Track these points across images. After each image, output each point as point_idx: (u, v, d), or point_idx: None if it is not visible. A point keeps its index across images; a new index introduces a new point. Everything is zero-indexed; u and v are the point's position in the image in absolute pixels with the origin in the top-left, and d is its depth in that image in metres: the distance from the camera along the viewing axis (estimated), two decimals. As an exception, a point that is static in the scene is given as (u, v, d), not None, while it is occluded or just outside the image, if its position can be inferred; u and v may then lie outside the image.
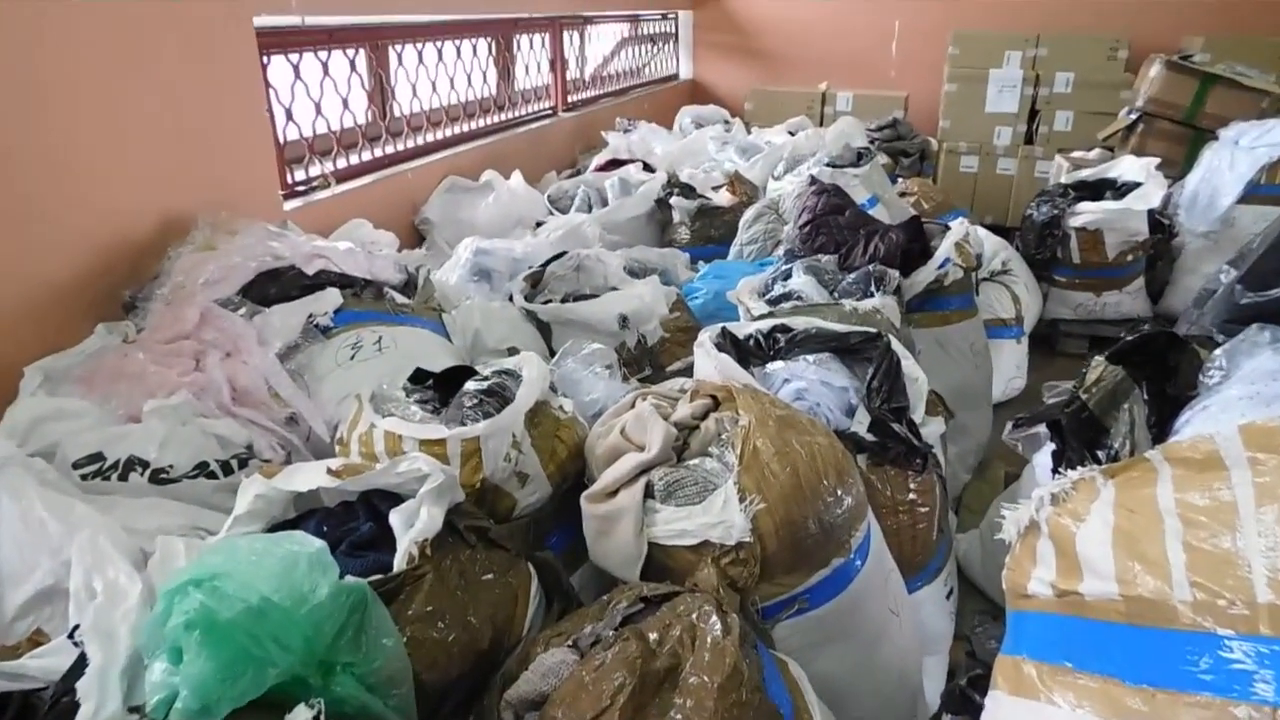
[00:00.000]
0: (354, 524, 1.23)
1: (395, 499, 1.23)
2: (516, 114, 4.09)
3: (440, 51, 3.46)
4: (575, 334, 2.20)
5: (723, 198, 3.10)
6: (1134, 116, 4.42)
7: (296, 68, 2.65)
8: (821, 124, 5.05)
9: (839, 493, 1.36)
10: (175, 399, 1.69)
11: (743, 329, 1.97)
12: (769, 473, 1.31)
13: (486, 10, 3.71)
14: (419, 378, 1.64)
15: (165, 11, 2.06)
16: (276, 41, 2.53)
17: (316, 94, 2.74)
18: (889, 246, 2.36)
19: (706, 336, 1.90)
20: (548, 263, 2.37)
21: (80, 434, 1.60)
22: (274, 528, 1.23)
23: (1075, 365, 2.21)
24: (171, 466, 1.54)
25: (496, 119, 3.89)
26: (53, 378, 1.83)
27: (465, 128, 3.59)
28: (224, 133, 2.30)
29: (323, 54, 2.74)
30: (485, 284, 2.41)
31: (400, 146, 3.19)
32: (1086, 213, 3.58)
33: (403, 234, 3.14)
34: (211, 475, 1.56)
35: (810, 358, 1.81)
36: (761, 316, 2.16)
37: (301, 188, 2.70)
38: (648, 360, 2.15)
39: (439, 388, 1.65)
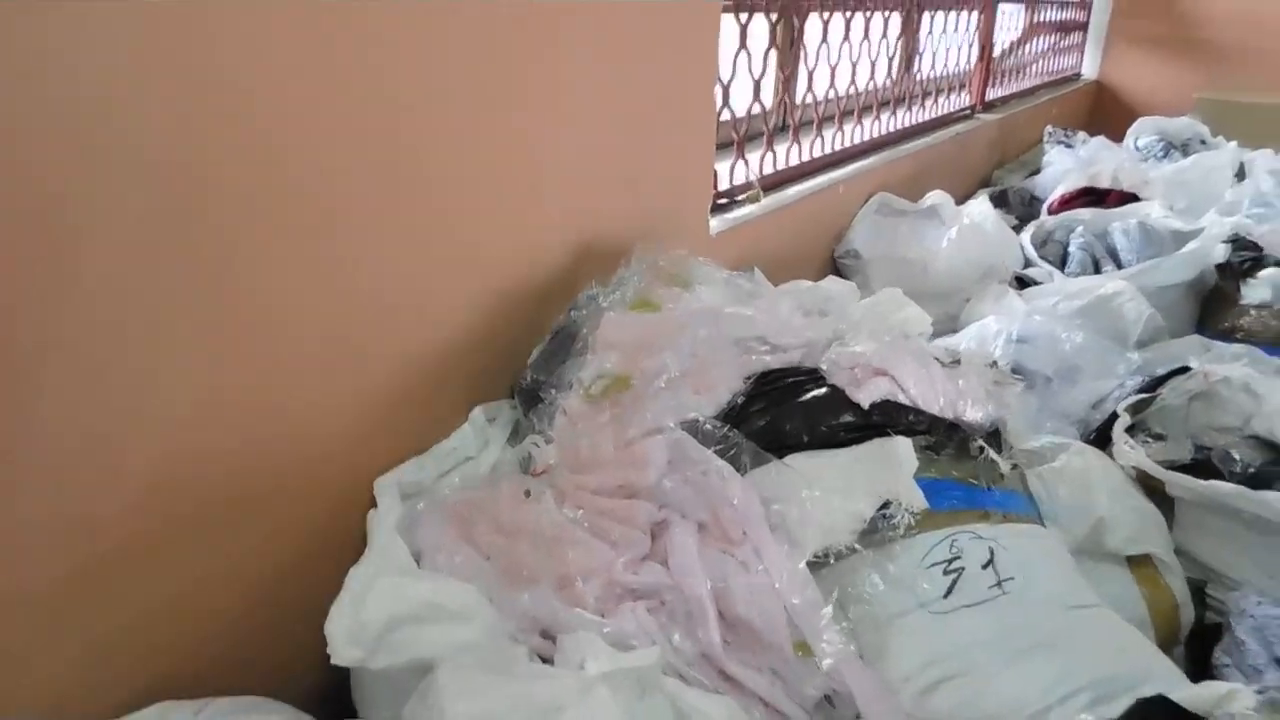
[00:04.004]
0: None
1: None
2: (930, 113, 3.09)
3: (849, 24, 2.49)
4: (1231, 533, 1.22)
5: (1337, 275, 1.96)
6: None
7: (745, 29, 1.83)
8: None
9: None
10: (629, 635, 0.90)
11: None
12: None
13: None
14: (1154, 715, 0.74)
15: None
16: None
17: (758, 68, 1.91)
18: None
19: None
20: (1159, 382, 1.40)
21: (469, 682, 0.84)
22: None
23: None
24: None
25: (906, 117, 2.91)
26: (410, 502, 1.13)
27: (878, 128, 2.65)
28: (666, 113, 1.52)
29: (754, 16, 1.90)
30: (1030, 395, 1.48)
31: (822, 149, 2.31)
32: None
33: (814, 271, 2.28)
34: None
35: None
36: None
37: (724, 200, 1.90)
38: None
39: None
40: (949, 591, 0.91)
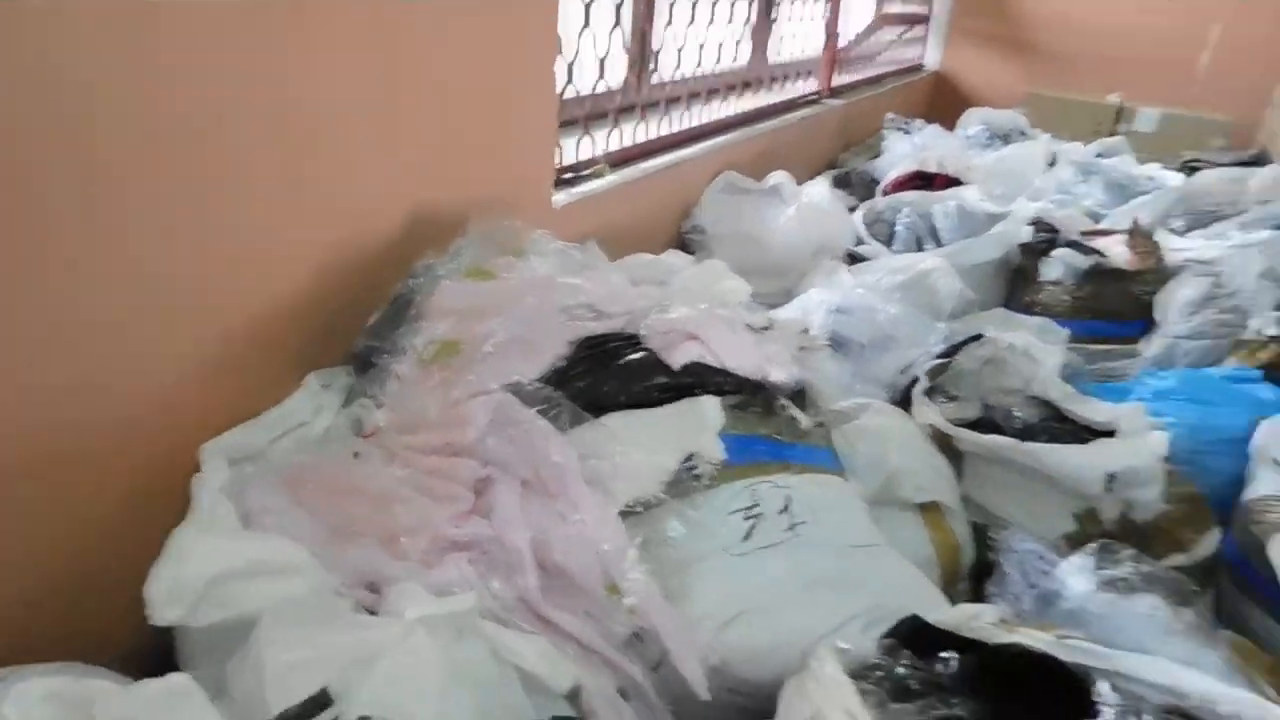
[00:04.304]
0: None
1: None
2: (780, 96, 3.23)
3: (694, 7, 2.57)
4: (1011, 483, 1.38)
5: (1119, 255, 2.20)
6: None
7: (588, 8, 1.88)
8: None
9: None
10: (449, 574, 0.95)
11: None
12: None
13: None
14: (916, 633, 0.85)
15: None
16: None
17: (603, 47, 1.97)
18: None
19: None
20: (954, 349, 1.54)
21: (289, 627, 0.87)
22: None
23: None
24: (456, 759, 0.80)
25: (758, 100, 3.04)
26: (239, 467, 1.13)
27: (729, 109, 2.76)
28: (505, 89, 1.55)
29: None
30: (843, 362, 1.60)
31: (670, 127, 2.39)
32: None
33: (661, 245, 2.36)
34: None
35: None
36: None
37: (569, 175, 1.94)
38: (1132, 544, 1.31)
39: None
40: (747, 535, 1.00)
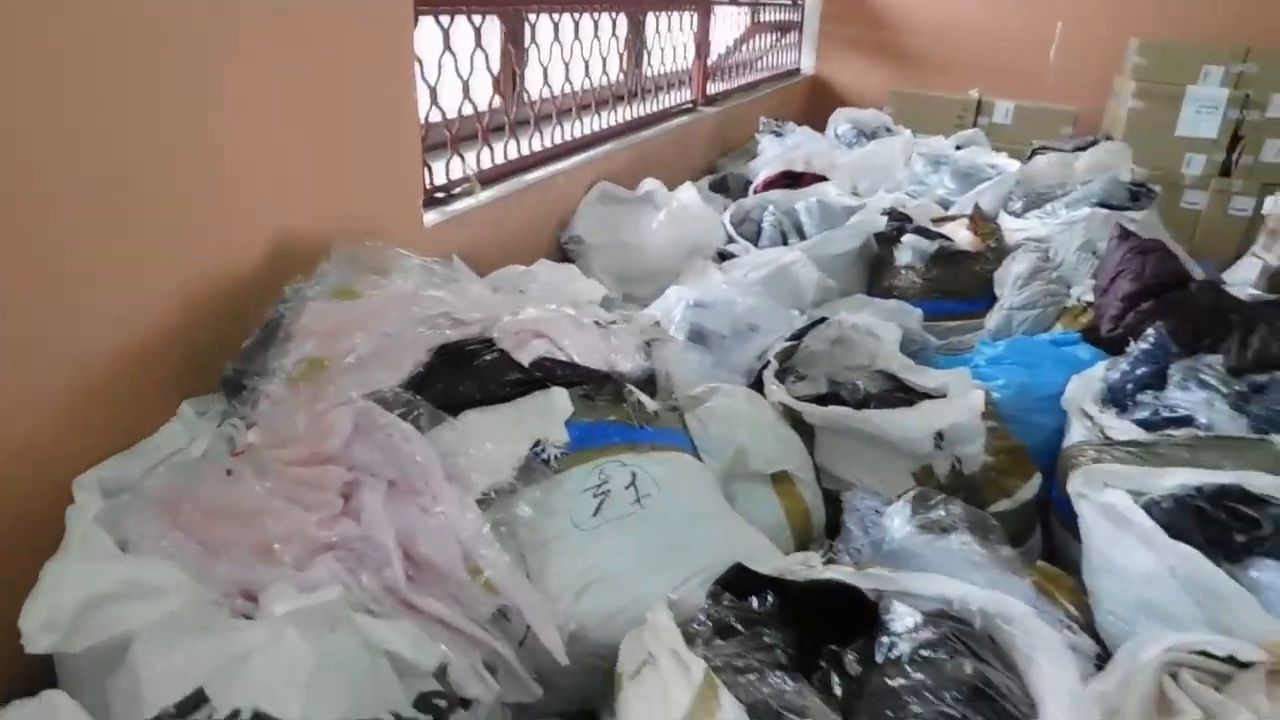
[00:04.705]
0: None
1: None
2: (655, 106, 3.36)
3: (578, 26, 2.72)
4: (856, 450, 1.51)
5: (962, 238, 2.39)
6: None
7: (447, 33, 1.96)
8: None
9: None
10: (320, 575, 1.01)
11: (1148, 480, 1.29)
12: None
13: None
14: (743, 581, 0.95)
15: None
16: (426, -2, 1.84)
17: (465, 68, 2.05)
18: (1283, 342, 1.65)
19: (1121, 497, 1.22)
20: (802, 333, 1.68)
21: (164, 638, 0.93)
22: None
23: None
24: (327, 734, 0.87)
25: (634, 111, 3.17)
26: (116, 498, 1.17)
27: (603, 122, 2.88)
28: (364, 113, 1.62)
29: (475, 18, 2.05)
30: (704, 353, 1.72)
31: (542, 143, 2.49)
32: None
33: (540, 257, 2.45)
34: (396, 749, 0.89)
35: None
36: (1132, 446, 1.47)
37: (441, 195, 2.01)
38: (962, 496, 1.46)
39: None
40: (596, 511, 1.09)
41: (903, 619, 0.84)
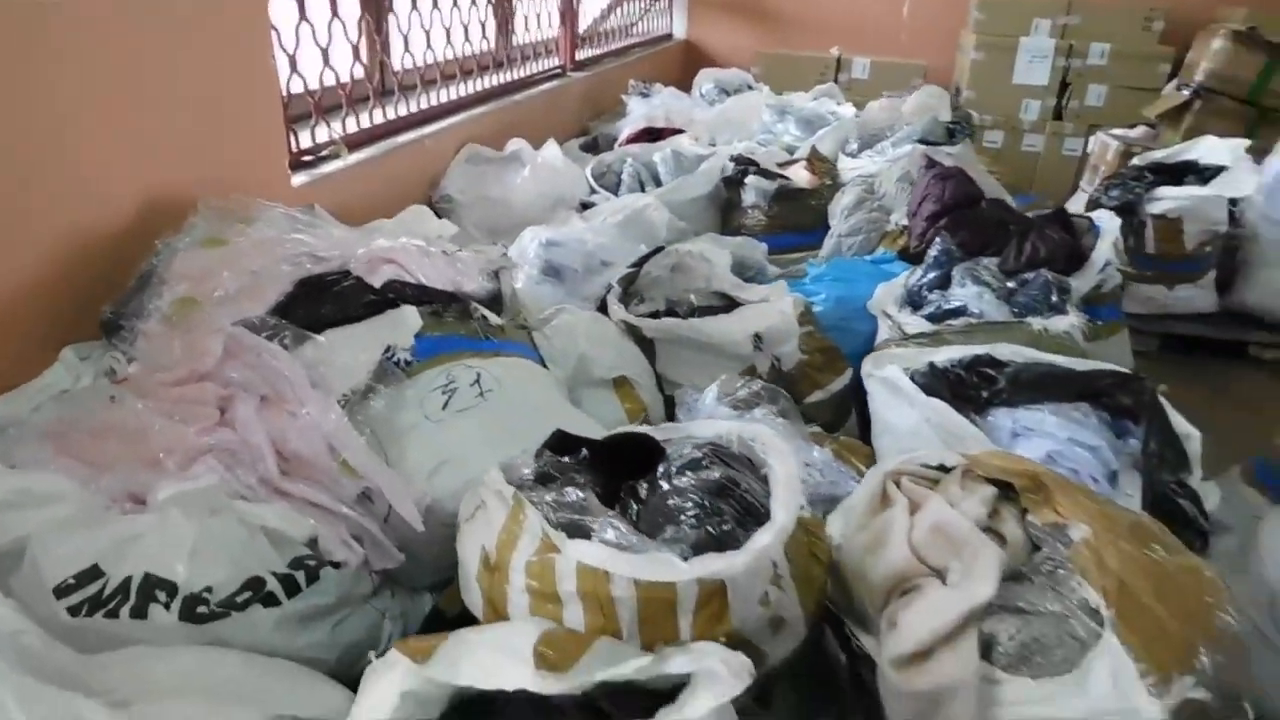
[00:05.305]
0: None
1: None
2: (525, 73, 3.52)
3: None
4: (689, 357, 1.73)
5: (801, 177, 2.64)
6: (1187, 93, 4.11)
7: (302, 3, 2.08)
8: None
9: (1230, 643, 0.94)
10: (201, 474, 1.17)
11: (921, 357, 1.54)
12: (1154, 622, 0.88)
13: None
14: (564, 444, 1.15)
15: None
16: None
17: (324, 37, 2.17)
18: (1050, 247, 1.95)
19: (895, 370, 1.47)
20: (642, 261, 1.88)
21: (59, 533, 1.07)
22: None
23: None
24: (210, 590, 1.03)
25: (504, 78, 3.32)
26: (3, 434, 1.29)
27: (472, 87, 3.03)
28: (222, 80, 1.74)
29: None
30: (558, 285, 1.91)
31: (409, 108, 2.62)
32: (1168, 199, 3.22)
33: (417, 214, 2.59)
34: (270, 600, 1.06)
35: (1047, 406, 1.38)
36: (920, 337, 1.73)
37: (308, 158, 2.14)
38: (782, 390, 1.70)
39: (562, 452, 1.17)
40: (445, 405, 1.28)
41: (679, 450, 1.05)
